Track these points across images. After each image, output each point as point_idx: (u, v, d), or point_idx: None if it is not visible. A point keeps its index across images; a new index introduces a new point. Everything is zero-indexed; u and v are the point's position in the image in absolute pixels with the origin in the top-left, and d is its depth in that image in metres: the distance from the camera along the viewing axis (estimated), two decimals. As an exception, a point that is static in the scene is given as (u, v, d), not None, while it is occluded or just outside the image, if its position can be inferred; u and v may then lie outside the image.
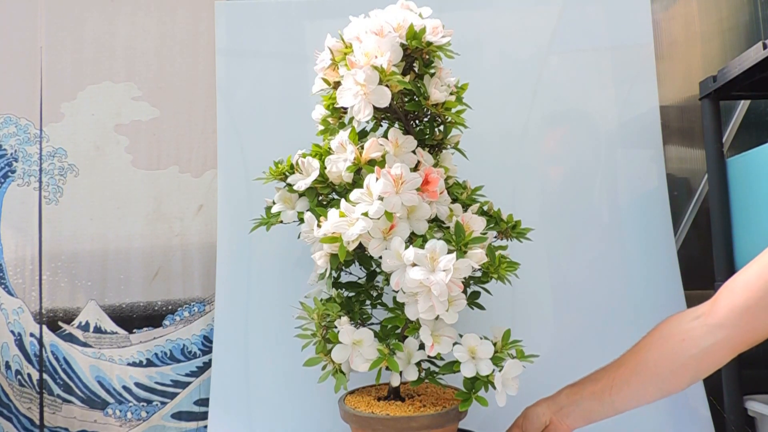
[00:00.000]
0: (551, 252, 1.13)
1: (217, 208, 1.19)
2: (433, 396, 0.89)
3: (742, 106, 1.22)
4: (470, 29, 1.21)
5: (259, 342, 1.15)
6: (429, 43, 0.77)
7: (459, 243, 0.75)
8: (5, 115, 1.23)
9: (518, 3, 1.22)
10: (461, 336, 0.80)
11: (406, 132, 0.84)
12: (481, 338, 0.80)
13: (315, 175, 0.85)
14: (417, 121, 0.87)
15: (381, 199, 0.73)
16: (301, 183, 0.85)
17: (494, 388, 0.77)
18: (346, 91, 0.75)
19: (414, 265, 0.72)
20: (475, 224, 0.78)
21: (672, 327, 0.79)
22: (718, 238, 1.07)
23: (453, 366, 0.79)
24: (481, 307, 0.87)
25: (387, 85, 0.74)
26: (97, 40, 1.25)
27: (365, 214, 0.73)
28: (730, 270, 1.05)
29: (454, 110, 0.83)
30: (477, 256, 0.74)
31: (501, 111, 1.19)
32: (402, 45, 0.77)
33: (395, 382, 0.85)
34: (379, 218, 0.73)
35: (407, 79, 0.78)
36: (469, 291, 0.86)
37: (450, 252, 0.73)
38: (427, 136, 0.87)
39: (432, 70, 0.82)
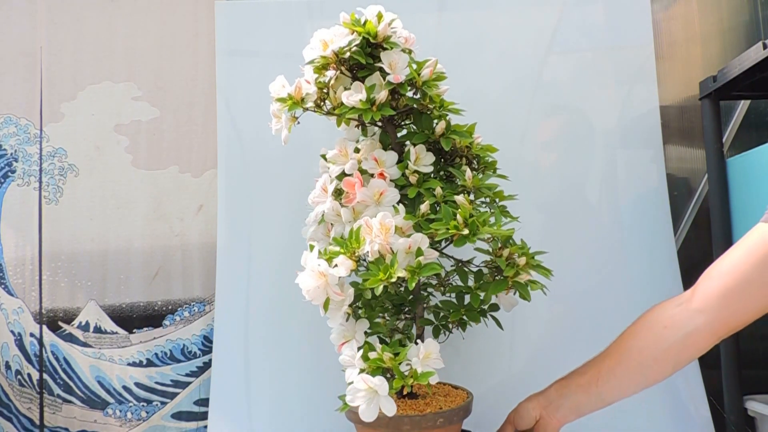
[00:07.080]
0: (550, 252, 1.13)
1: (217, 208, 1.19)
2: (442, 395, 0.88)
3: (742, 106, 1.22)
4: (470, 29, 1.21)
5: (259, 342, 1.15)
6: (330, 56, 0.80)
7: (348, 249, 0.76)
8: (5, 115, 1.23)
9: (518, 3, 1.22)
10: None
11: (385, 135, 0.88)
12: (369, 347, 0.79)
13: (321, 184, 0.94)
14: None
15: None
16: (312, 193, 0.93)
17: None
18: (274, 122, 0.87)
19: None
20: (376, 227, 0.75)
21: (655, 315, 0.80)
22: (718, 238, 1.07)
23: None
24: (476, 320, 0.86)
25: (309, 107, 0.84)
26: (97, 40, 1.25)
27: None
28: (730, 270, 1.05)
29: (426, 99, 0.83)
30: (341, 262, 0.75)
31: (501, 111, 1.18)
32: (316, 66, 0.82)
33: None
34: (315, 224, 0.86)
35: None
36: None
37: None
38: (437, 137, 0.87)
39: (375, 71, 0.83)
